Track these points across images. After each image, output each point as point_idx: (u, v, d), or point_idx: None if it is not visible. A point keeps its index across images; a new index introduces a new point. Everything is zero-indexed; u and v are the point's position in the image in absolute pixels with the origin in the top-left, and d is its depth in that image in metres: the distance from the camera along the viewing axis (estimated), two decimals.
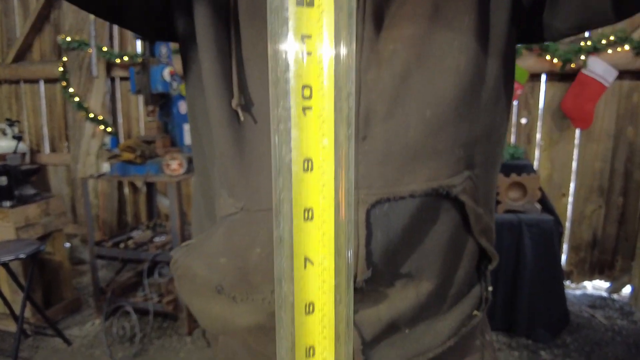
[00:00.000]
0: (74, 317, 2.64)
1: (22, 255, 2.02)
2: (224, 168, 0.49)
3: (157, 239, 2.54)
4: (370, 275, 0.43)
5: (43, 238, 2.45)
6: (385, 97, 0.42)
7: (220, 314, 0.48)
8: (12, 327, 2.37)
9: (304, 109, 0.22)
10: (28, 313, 2.38)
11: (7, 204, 2.34)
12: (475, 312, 0.51)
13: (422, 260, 0.46)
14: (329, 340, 0.24)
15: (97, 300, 2.50)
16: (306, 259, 0.24)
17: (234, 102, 0.45)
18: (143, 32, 0.56)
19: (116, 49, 3.38)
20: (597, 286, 2.97)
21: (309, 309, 0.24)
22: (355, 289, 0.43)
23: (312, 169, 0.23)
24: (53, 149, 3.74)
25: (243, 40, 0.46)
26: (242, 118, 0.46)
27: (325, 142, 0.23)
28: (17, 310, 2.20)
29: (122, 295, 2.49)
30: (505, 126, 0.52)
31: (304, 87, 0.21)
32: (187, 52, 0.53)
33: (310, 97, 0.22)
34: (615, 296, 2.84)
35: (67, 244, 3.37)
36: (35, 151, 3.73)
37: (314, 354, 0.24)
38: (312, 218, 0.23)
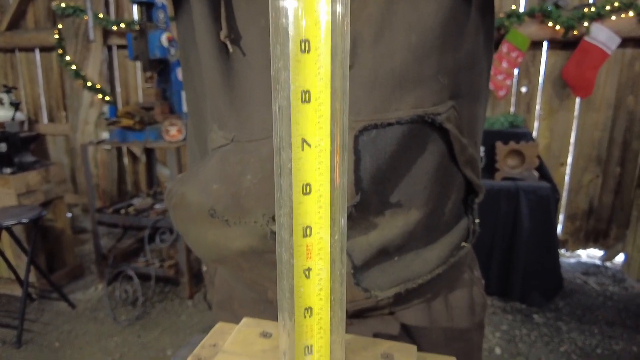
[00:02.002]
0: (77, 283, 2.69)
1: (24, 220, 2.05)
2: (214, 101, 0.50)
3: (157, 206, 2.56)
4: (360, 202, 0.44)
5: (44, 205, 2.47)
6: (371, 24, 0.43)
7: (215, 239, 0.50)
8: (17, 291, 2.42)
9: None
10: (32, 278, 2.42)
11: (8, 170, 2.35)
12: (464, 243, 0.53)
13: (410, 189, 0.47)
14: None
15: (99, 266, 2.55)
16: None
17: (222, 35, 0.46)
18: None
19: (112, 16, 3.32)
20: (591, 254, 3.02)
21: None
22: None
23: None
24: (51, 119, 3.72)
25: None
26: (230, 50, 0.47)
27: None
28: (22, 275, 2.25)
29: (123, 261, 2.54)
30: (488, 60, 0.53)
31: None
32: None
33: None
34: (608, 264, 2.89)
35: (69, 214, 3.41)
36: (33, 121, 3.72)
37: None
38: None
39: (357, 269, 0.47)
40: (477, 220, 0.55)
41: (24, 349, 2.06)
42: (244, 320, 0.35)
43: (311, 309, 0.27)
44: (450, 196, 0.51)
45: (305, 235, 0.25)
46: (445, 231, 0.52)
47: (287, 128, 0.23)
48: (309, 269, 0.26)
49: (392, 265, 0.49)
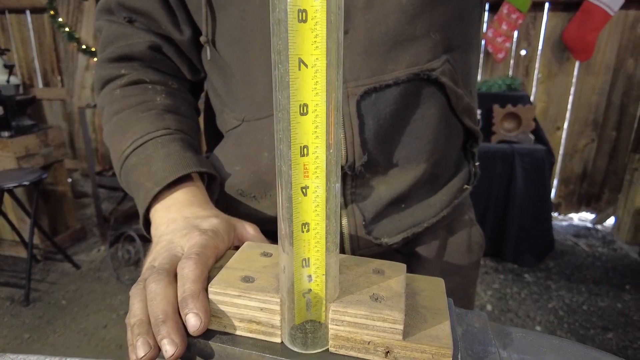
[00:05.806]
0: (80, 245, 2.75)
1: (25, 182, 2.07)
2: (224, 87, 0.54)
3: None
4: (367, 161, 0.47)
5: (44, 169, 2.49)
6: None
7: (247, 212, 0.54)
8: (22, 253, 2.48)
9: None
10: (37, 240, 2.47)
11: (6, 134, 2.35)
12: (466, 185, 0.56)
13: (415, 144, 0.50)
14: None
15: (101, 228, 2.60)
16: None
17: (202, 39, 0.50)
18: None
19: None
20: (582, 218, 3.08)
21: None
22: (356, 175, 0.48)
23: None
24: (46, 83, 3.68)
25: None
26: (208, 56, 0.52)
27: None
28: (26, 237, 2.29)
29: (125, 223, 2.58)
30: (479, 11, 0.54)
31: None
32: None
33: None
34: (599, 227, 2.96)
35: (69, 179, 3.43)
36: (28, 85, 3.67)
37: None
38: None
39: (367, 221, 0.50)
40: (477, 163, 0.58)
41: (32, 307, 2.13)
42: (246, 243, 0.38)
43: (308, 224, 0.29)
44: (453, 145, 0.54)
45: (302, 155, 0.27)
46: (449, 177, 0.56)
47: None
48: (306, 187, 0.28)
49: (400, 214, 0.52)
